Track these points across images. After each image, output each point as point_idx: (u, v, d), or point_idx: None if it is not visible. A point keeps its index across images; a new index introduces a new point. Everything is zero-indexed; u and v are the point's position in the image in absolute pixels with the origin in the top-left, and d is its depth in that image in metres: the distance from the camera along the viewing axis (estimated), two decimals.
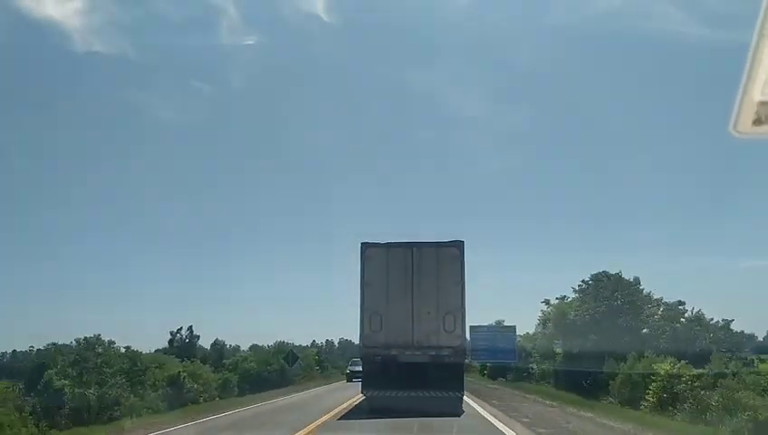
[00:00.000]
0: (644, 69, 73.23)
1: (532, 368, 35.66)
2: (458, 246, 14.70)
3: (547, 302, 37.04)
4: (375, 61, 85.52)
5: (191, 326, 57.31)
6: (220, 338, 63.54)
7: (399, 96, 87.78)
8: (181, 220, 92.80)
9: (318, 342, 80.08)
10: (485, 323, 37.68)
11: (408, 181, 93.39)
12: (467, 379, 16.69)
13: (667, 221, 64.25)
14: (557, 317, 34.46)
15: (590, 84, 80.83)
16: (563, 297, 35.53)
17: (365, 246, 14.75)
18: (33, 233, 77.65)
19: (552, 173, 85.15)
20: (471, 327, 33.03)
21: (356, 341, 58.08)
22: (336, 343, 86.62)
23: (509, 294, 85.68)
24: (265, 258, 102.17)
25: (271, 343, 56.45)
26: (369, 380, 14.44)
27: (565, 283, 75.74)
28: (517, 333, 37.41)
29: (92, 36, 68.04)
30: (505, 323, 39.08)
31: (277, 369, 41.39)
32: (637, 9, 66.85)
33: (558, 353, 33.40)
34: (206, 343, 61.99)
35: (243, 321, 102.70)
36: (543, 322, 36.98)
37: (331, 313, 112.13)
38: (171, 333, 57.25)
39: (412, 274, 14.52)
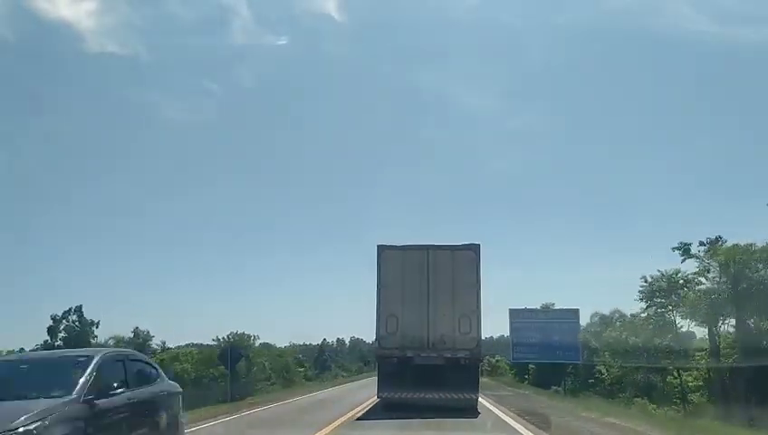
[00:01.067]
0: (656, 66, 68.41)
1: (601, 372, 27.60)
2: (474, 249, 14.74)
3: (686, 249, 22.88)
4: (386, 60, 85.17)
5: (80, 307, 41.85)
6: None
7: (411, 95, 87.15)
8: (190, 217, 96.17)
9: (328, 340, 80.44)
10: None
11: (421, 179, 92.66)
12: (503, 390, 14.90)
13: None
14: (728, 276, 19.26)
15: (602, 81, 76.53)
16: (716, 239, 21.78)
17: (381, 248, 15.06)
18: (33, 231, 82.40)
19: (566, 170, 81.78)
20: (512, 312, 25.41)
21: (367, 339, 58.30)
22: (347, 342, 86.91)
23: (531, 291, 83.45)
24: (279, 258, 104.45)
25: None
26: (385, 381, 14.82)
27: (589, 277, 73.22)
28: None
29: (105, 37, 71.79)
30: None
31: (226, 373, 28.27)
32: (649, 6, 62.56)
33: (727, 348, 20.65)
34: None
35: (259, 319, 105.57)
36: (649, 294, 24.55)
37: (343, 312, 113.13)
38: (53, 318, 41.36)
39: (428, 276, 14.71)
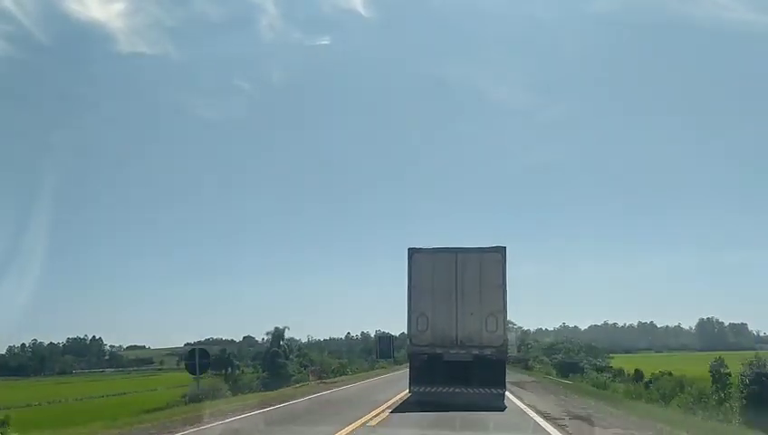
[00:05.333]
0: (692, 56, 68.63)
1: None
2: (500, 251, 15.93)
3: None
4: (415, 55, 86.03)
5: None
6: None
7: (441, 89, 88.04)
8: (219, 216, 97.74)
9: (353, 334, 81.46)
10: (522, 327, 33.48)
11: (451, 173, 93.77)
12: None
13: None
14: None
15: (635, 72, 76.77)
16: None
17: (412, 251, 16.24)
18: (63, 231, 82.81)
19: (599, 163, 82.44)
20: None
21: (393, 333, 57.55)
22: (372, 336, 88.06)
23: (559, 290, 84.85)
24: (306, 254, 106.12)
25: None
26: (416, 376, 15.95)
27: (627, 270, 74.17)
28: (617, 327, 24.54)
29: (136, 37, 72.69)
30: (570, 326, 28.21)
31: None
32: None
33: None
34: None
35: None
36: None
37: (371, 307, 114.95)
38: None
39: (456, 277, 15.93)
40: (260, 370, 46.79)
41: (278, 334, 52.84)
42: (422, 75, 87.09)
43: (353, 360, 59.37)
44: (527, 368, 46.15)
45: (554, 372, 43.45)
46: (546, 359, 50.28)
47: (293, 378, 39.14)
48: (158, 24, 73.03)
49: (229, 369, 48.93)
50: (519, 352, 48.10)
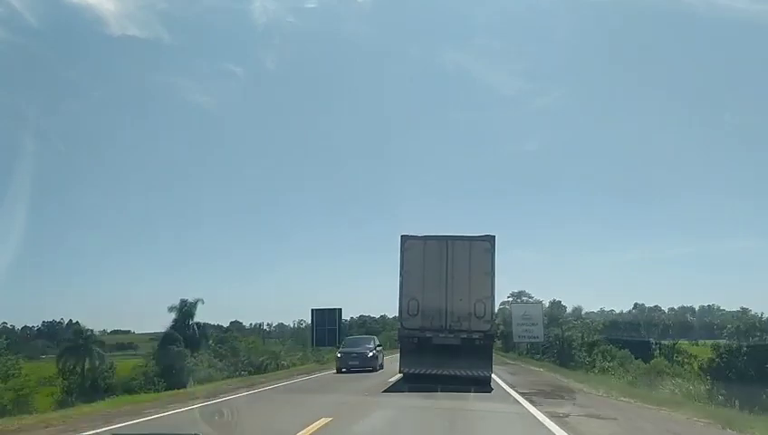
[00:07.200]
0: (687, 43, 70.54)
1: None
2: (489, 239, 16.79)
3: None
4: (410, 40, 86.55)
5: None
6: None
7: (435, 75, 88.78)
8: (209, 200, 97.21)
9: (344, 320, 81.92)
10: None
11: (445, 160, 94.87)
12: None
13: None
14: None
15: (630, 59, 78.50)
16: None
17: (404, 238, 17.03)
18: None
19: (593, 151, 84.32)
20: None
21: (374, 315, 57.50)
22: (355, 318, 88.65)
23: (552, 277, 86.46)
24: (295, 240, 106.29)
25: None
26: (406, 359, 16.69)
27: (614, 258, 75.76)
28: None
29: (127, 20, 71.76)
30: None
31: None
32: None
33: None
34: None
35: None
36: None
37: (364, 295, 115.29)
38: None
39: (446, 264, 16.78)
40: (151, 363, 32.77)
41: (185, 311, 36.69)
42: (417, 60, 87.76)
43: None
44: (565, 363, 29.10)
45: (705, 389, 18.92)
46: (626, 351, 31.07)
47: (197, 375, 28.18)
48: (150, 7, 72.17)
49: (87, 361, 34.22)
50: (548, 337, 34.15)
